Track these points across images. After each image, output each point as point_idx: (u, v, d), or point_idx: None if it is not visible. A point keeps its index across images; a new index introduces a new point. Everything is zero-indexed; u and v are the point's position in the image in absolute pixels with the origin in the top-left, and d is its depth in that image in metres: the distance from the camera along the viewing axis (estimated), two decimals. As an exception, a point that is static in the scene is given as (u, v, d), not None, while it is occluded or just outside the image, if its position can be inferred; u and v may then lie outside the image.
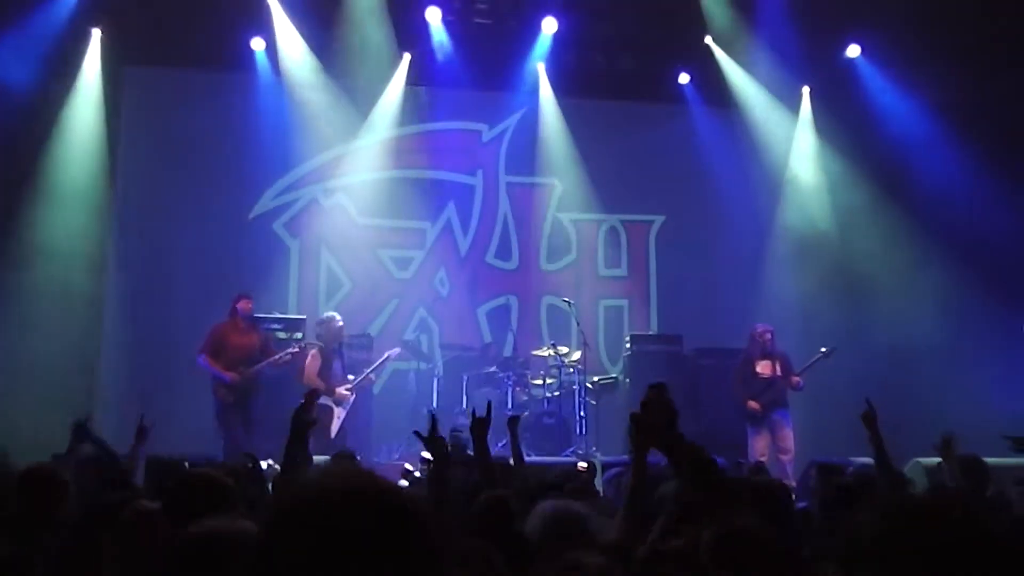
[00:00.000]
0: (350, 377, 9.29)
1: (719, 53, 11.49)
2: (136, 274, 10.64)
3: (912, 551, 1.19)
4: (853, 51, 11.39)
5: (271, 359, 8.87)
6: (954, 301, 10.57)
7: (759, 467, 7.15)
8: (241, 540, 1.64)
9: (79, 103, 10.41)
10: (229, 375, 8.67)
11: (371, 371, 9.49)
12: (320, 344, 9.12)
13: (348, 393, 9.11)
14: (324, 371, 9.01)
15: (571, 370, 10.27)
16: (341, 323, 9.23)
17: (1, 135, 9.64)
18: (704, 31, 11.28)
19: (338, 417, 8.97)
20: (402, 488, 1.25)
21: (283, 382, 9.10)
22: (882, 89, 11.26)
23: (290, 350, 9.05)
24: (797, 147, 11.87)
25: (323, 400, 8.60)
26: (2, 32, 9.53)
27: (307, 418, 3.75)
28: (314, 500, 1.19)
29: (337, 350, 9.19)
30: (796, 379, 9.38)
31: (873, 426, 4.36)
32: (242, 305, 8.99)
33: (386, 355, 9.65)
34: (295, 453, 3.67)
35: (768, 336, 9.61)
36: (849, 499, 3.92)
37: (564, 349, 10.36)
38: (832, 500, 4.06)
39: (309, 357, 9.04)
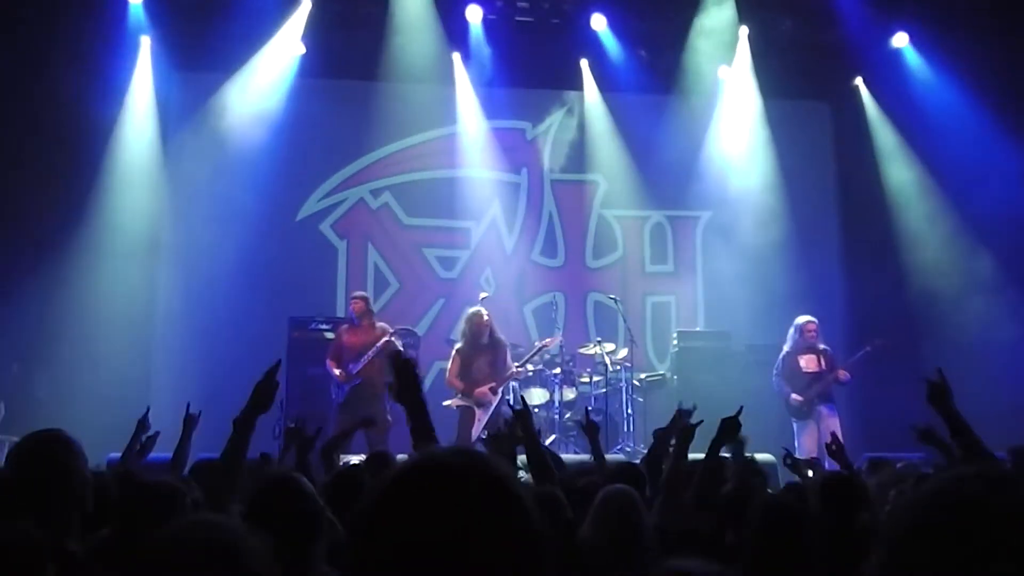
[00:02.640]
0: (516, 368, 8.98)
1: (756, 46, 11.37)
2: (186, 275, 10.80)
3: (953, 532, 1.16)
4: (900, 40, 11.22)
5: (369, 353, 8.76)
6: (1010, 292, 10.36)
7: (812, 462, 7.07)
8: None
9: (131, 110, 10.61)
10: (337, 373, 8.82)
11: (521, 365, 9.17)
12: (459, 343, 8.96)
13: (491, 394, 8.66)
14: (464, 371, 8.72)
15: (618, 367, 10.24)
16: (486, 318, 8.90)
17: (59, 142, 9.87)
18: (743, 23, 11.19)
19: (479, 420, 8.57)
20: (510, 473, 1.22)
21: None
22: (931, 78, 11.05)
23: (385, 339, 8.82)
24: (873, 136, 11.64)
25: (463, 402, 8.55)
26: (59, 44, 9.76)
27: (267, 387, 3.40)
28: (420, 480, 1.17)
29: (486, 347, 8.82)
30: (843, 373, 9.26)
31: (946, 402, 3.51)
32: (351, 307, 9.11)
33: (542, 344, 9.50)
34: (240, 439, 3.27)
35: (812, 328, 9.48)
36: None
37: (611, 346, 10.34)
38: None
39: (450, 358, 8.94)
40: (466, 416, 8.57)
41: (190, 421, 5.36)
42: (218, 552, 1.49)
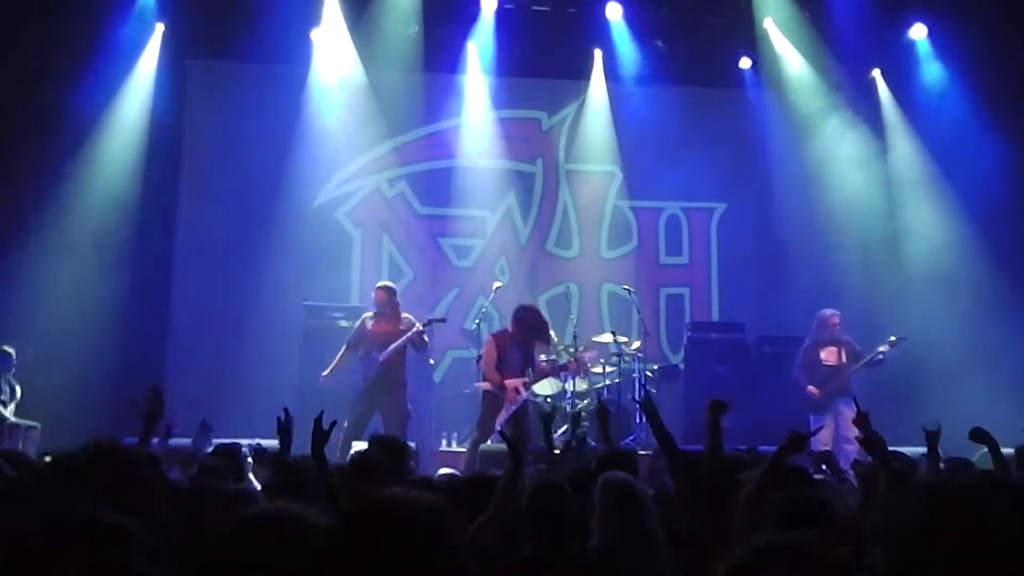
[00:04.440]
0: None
1: (777, 37, 11.32)
2: (202, 261, 10.84)
3: (956, 532, 1.18)
4: (918, 32, 11.14)
5: (396, 343, 8.76)
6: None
7: (825, 455, 7.05)
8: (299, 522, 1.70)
9: (142, 96, 10.63)
10: (329, 369, 8.89)
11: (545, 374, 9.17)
12: (495, 333, 8.98)
13: (520, 392, 8.51)
14: (500, 362, 8.61)
15: (631, 358, 10.23)
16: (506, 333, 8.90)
17: (71, 132, 9.94)
18: (764, 14, 11.14)
19: (504, 410, 8.47)
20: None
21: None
22: (948, 71, 10.97)
23: (415, 330, 8.82)
24: (887, 132, 11.59)
25: (496, 391, 8.48)
26: (76, 33, 9.82)
27: (318, 434, 3.87)
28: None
29: (524, 342, 8.70)
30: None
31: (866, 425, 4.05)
32: (376, 296, 9.09)
33: (582, 355, 9.51)
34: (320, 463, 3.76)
35: (836, 321, 9.47)
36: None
37: (624, 337, 10.33)
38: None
39: (485, 346, 8.88)
40: (494, 403, 8.53)
41: (205, 429, 5.36)
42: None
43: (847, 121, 11.49)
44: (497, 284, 10.09)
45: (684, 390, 10.64)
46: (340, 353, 8.99)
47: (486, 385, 8.65)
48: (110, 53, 10.16)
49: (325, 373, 8.90)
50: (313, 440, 4.36)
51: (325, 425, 4.39)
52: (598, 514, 3.36)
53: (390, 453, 4.74)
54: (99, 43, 10.06)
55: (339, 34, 11.01)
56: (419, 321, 9.02)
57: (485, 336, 10.76)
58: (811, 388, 9.28)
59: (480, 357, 8.99)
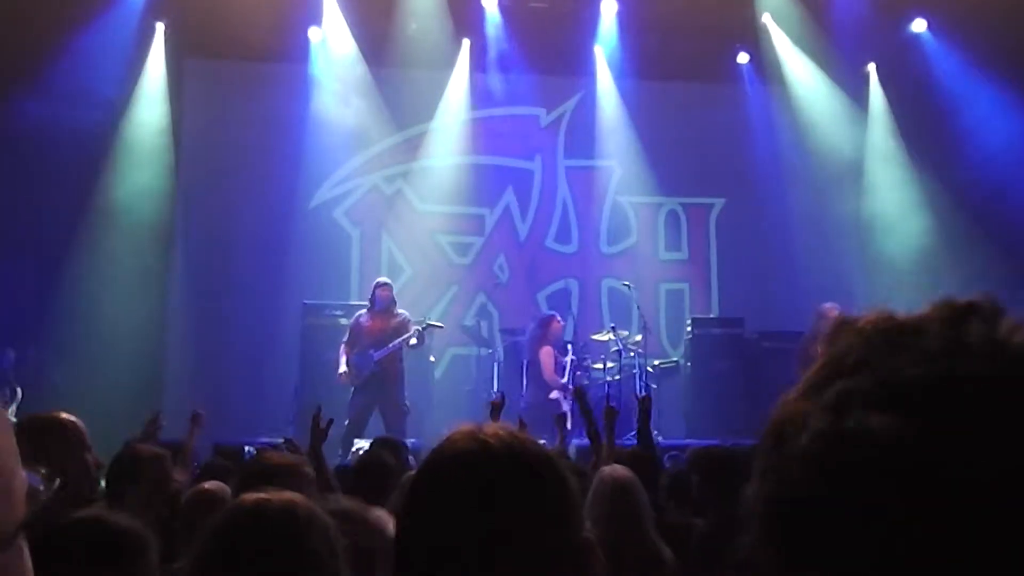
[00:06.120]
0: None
1: (776, 32, 11.31)
2: (199, 263, 10.86)
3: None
4: (919, 26, 11.12)
5: (395, 342, 8.92)
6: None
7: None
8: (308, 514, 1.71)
9: (146, 96, 10.65)
10: (342, 372, 8.96)
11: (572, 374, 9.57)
12: (545, 345, 9.44)
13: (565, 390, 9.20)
14: (558, 368, 9.39)
15: (631, 354, 10.23)
16: (561, 324, 9.62)
17: (79, 133, 9.93)
18: (762, 9, 11.13)
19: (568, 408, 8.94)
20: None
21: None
22: (950, 66, 10.94)
23: (412, 332, 9.00)
24: (870, 126, 11.60)
25: (559, 395, 9.12)
26: (77, 30, 9.80)
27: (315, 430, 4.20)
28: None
29: (564, 347, 9.56)
30: None
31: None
32: (380, 293, 9.17)
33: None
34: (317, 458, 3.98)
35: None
36: None
37: (625, 332, 10.33)
38: None
39: (542, 353, 9.37)
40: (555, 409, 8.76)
41: (196, 419, 5.39)
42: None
43: (845, 115, 11.50)
44: (497, 281, 10.10)
45: (685, 386, 10.66)
46: (343, 352, 9.02)
47: (553, 394, 9.20)
48: (116, 56, 10.17)
49: (342, 370, 8.96)
50: (312, 438, 4.36)
51: (322, 423, 4.39)
52: (591, 502, 3.41)
53: (396, 454, 4.74)
54: (105, 42, 10.06)
55: (337, 31, 11.00)
56: (415, 320, 9.16)
57: (484, 333, 10.82)
58: (809, 380, 9.26)
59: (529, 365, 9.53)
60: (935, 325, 0.67)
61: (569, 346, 9.84)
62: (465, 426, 1.39)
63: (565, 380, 9.33)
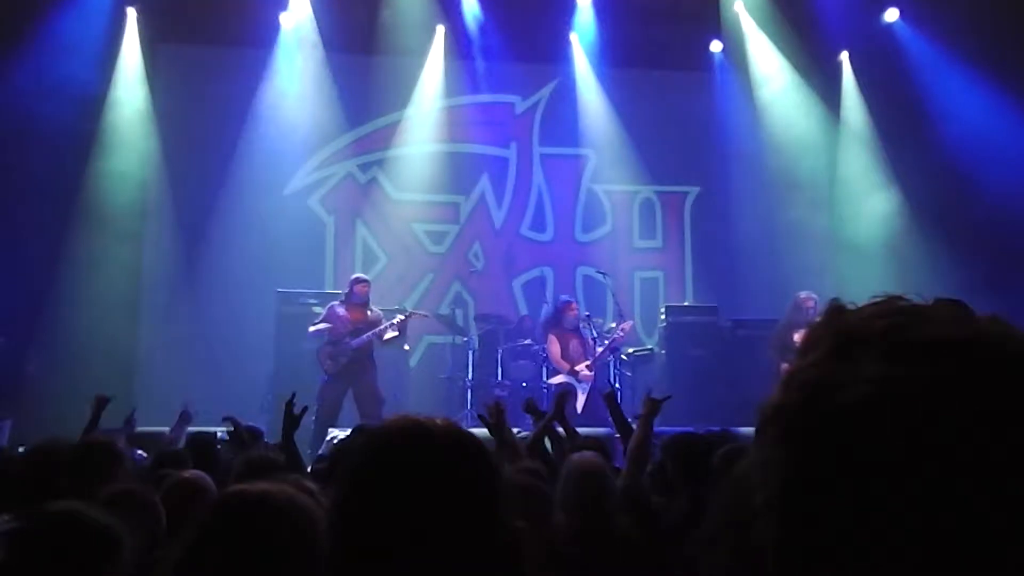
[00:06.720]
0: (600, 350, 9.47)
1: (747, 21, 11.35)
2: (174, 249, 10.77)
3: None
4: (891, 15, 11.18)
5: (375, 330, 8.94)
6: (1004, 277, 10.37)
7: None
8: (289, 504, 1.71)
9: (120, 82, 10.56)
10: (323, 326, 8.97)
11: (605, 350, 9.54)
12: (554, 328, 9.49)
13: (589, 372, 9.28)
14: (564, 353, 9.38)
15: (606, 341, 10.25)
16: (576, 310, 9.61)
17: (52, 122, 9.82)
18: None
19: (582, 392, 9.15)
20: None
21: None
22: (923, 55, 11.00)
23: (393, 321, 9.06)
24: (843, 115, 11.66)
25: (568, 379, 9.14)
26: (48, 18, 9.69)
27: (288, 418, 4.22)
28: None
29: (576, 331, 9.53)
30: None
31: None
32: (359, 289, 9.14)
33: (624, 325, 9.75)
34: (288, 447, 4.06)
35: (811, 304, 9.50)
36: None
37: (600, 319, 10.36)
38: None
39: (548, 342, 9.45)
40: (572, 394, 8.75)
41: (185, 417, 5.40)
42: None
43: (815, 105, 11.57)
44: (473, 269, 10.08)
45: (661, 373, 10.70)
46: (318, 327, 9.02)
47: (561, 378, 9.18)
48: (90, 43, 10.07)
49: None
50: (284, 425, 4.32)
51: (296, 410, 4.36)
52: (562, 488, 3.45)
53: None
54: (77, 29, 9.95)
55: (309, 17, 10.93)
56: (398, 308, 9.19)
57: (460, 321, 10.81)
58: (785, 366, 9.31)
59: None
60: (944, 310, 0.69)
61: (587, 323, 9.76)
62: (402, 414, 1.45)
63: (597, 356, 9.38)
